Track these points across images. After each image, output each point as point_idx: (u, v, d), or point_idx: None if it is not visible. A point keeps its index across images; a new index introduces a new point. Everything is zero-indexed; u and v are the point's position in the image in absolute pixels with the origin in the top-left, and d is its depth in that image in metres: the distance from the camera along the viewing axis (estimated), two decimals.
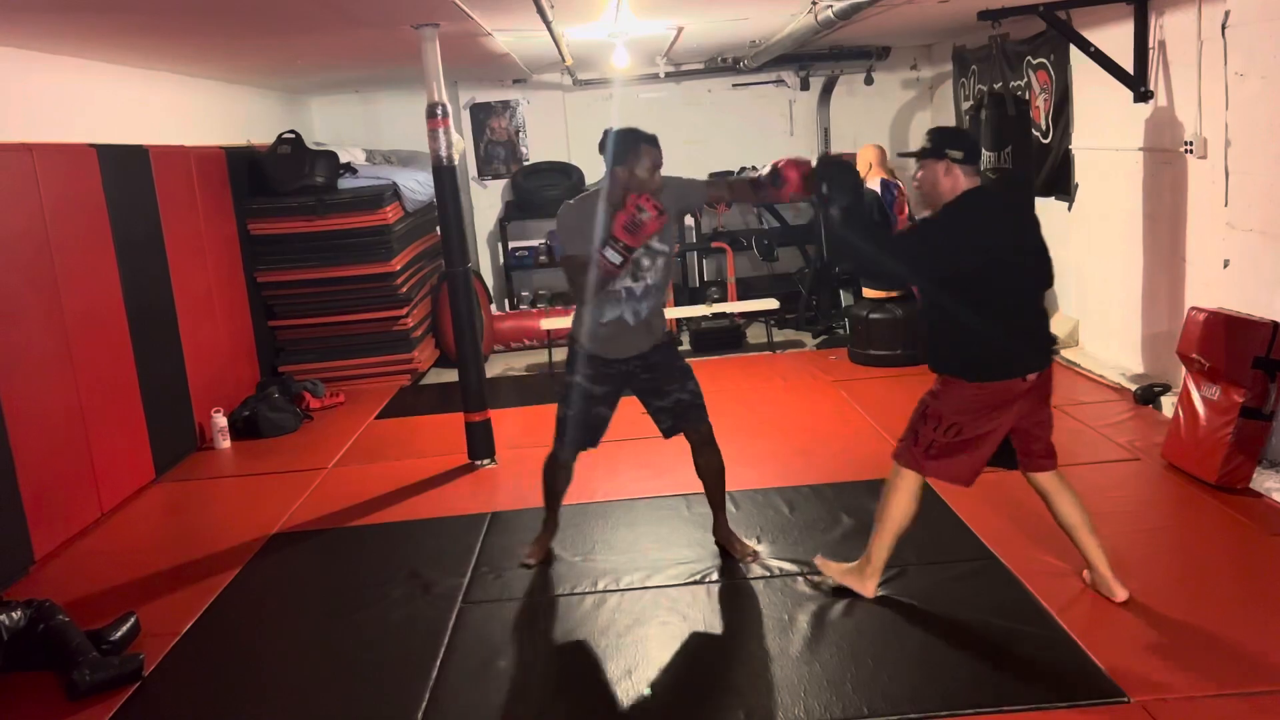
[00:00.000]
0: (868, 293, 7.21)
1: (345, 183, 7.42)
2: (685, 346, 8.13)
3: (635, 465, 5.08)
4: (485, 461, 5.50)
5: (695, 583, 3.91)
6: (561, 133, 9.35)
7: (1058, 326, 6.43)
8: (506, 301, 9.30)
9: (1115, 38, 5.61)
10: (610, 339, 3.83)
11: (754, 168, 9.06)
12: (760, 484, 4.85)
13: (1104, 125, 6.10)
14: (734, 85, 9.34)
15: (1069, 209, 6.55)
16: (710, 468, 4.05)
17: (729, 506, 4.47)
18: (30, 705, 3.39)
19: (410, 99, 8.69)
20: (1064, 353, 6.54)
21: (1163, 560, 3.82)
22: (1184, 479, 4.51)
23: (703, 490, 4.15)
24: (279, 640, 3.80)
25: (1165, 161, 5.47)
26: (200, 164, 6.52)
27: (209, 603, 4.04)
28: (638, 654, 3.41)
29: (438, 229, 6.09)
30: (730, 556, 4.08)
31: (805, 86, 8.83)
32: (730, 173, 9.14)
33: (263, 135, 7.69)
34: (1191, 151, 5.17)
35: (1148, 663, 3.10)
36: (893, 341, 6.97)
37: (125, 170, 5.55)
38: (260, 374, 7.17)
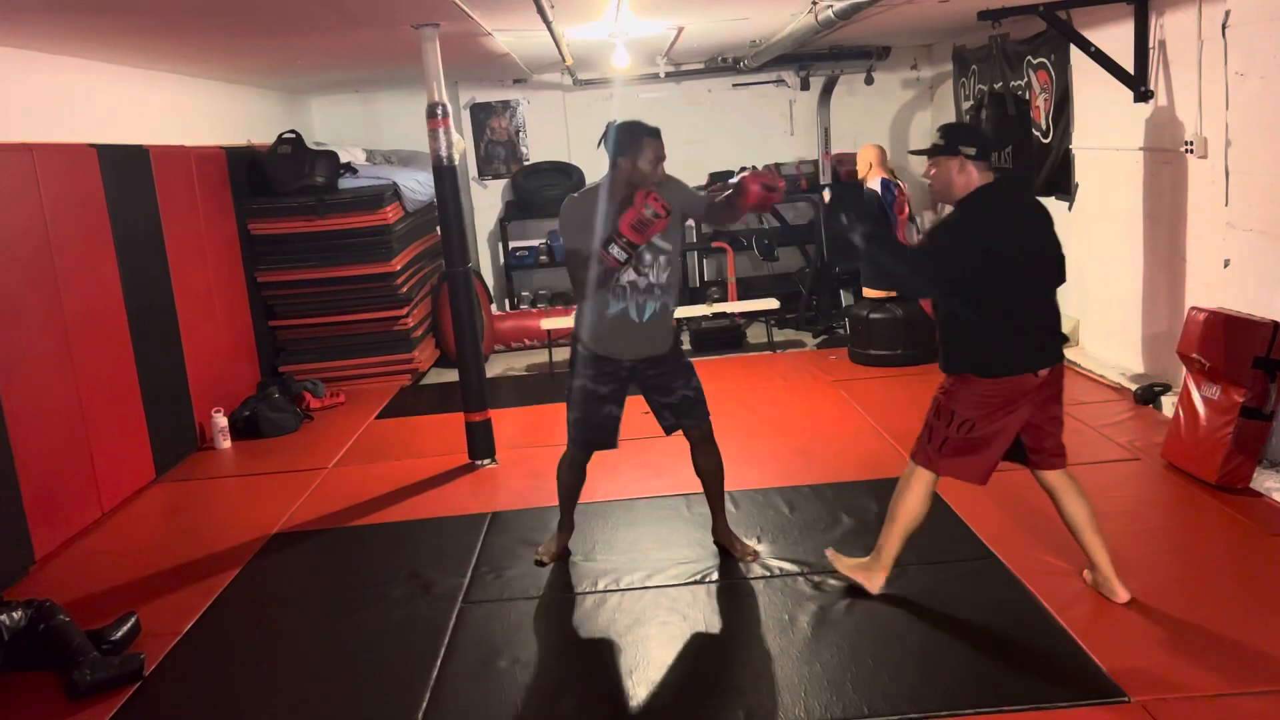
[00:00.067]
0: (868, 293, 7.21)
1: (345, 183, 7.42)
2: (686, 346, 8.12)
3: (635, 465, 5.08)
4: (485, 461, 5.51)
5: (695, 583, 3.91)
6: (562, 133, 9.35)
7: None
8: (507, 301, 9.30)
9: (1115, 37, 5.61)
10: (614, 335, 3.81)
11: (754, 167, 9.06)
12: (760, 484, 4.85)
13: (1104, 125, 6.10)
14: (734, 85, 9.34)
15: (1069, 209, 6.55)
16: (709, 466, 4.04)
17: (729, 506, 4.47)
18: (31, 705, 3.39)
19: (410, 99, 8.70)
20: (1064, 352, 6.54)
21: (1163, 560, 3.82)
22: (1184, 479, 4.51)
23: (702, 490, 4.15)
24: (280, 640, 3.80)
25: (1165, 161, 5.47)
26: (200, 164, 6.52)
27: (209, 602, 4.04)
28: (638, 654, 3.41)
29: (438, 229, 6.10)
30: (730, 556, 4.08)
31: (805, 86, 8.83)
32: (730, 173, 9.14)
33: (263, 135, 7.69)
34: (1192, 151, 5.17)
35: (1148, 662, 3.10)
36: (893, 341, 6.98)
37: (125, 170, 5.56)
38: (260, 374, 7.17)
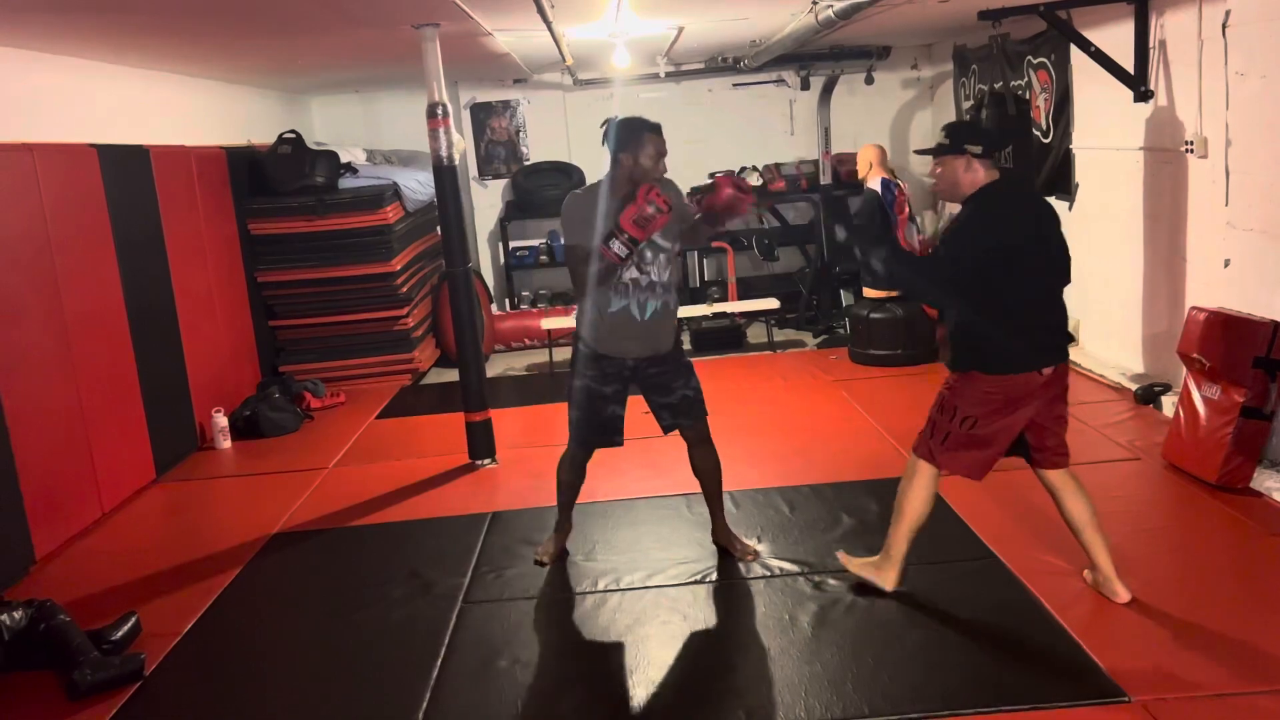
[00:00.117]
0: (868, 292, 7.21)
1: (346, 182, 7.42)
2: (686, 346, 8.12)
3: (636, 465, 5.08)
4: (486, 461, 5.51)
5: (696, 583, 3.91)
6: (562, 132, 9.35)
7: None
8: (507, 301, 9.30)
9: (1116, 37, 5.61)
10: (616, 333, 3.80)
11: (754, 168, 9.07)
12: (760, 484, 4.85)
13: (1104, 125, 6.10)
14: (734, 85, 9.34)
15: (1069, 209, 6.55)
16: (707, 466, 4.04)
17: (729, 506, 4.47)
18: (31, 705, 3.39)
19: (411, 99, 8.70)
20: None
21: (1163, 560, 3.82)
22: (1184, 479, 4.51)
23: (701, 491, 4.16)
24: (280, 640, 3.80)
25: (1166, 161, 5.47)
26: (201, 164, 6.52)
27: (210, 602, 4.04)
28: (638, 654, 3.41)
29: (438, 229, 6.10)
30: (730, 556, 4.08)
31: (806, 86, 8.83)
32: (731, 173, 9.13)
33: (263, 135, 7.69)
34: (1192, 151, 5.17)
35: (1149, 662, 3.10)
36: (893, 341, 6.98)
37: (126, 170, 5.56)
38: (261, 374, 7.17)
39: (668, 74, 8.87)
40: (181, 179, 6.25)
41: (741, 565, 4.01)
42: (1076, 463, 3.59)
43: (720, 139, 9.29)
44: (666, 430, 4.00)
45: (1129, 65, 5.48)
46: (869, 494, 4.61)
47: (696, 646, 3.47)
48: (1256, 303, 4.56)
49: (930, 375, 3.55)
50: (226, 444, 6.21)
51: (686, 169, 8.71)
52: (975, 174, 3.36)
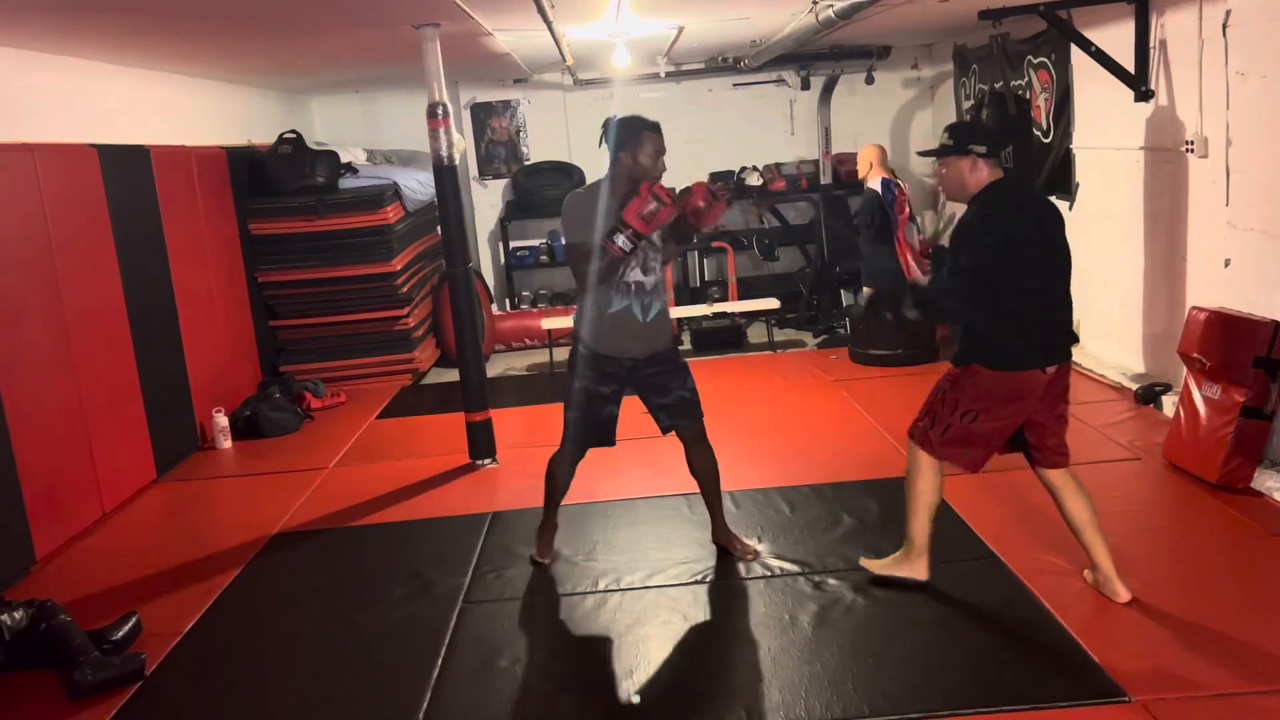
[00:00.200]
0: (868, 292, 7.21)
1: (346, 182, 7.42)
2: (686, 346, 8.13)
3: (636, 465, 5.08)
4: (486, 461, 5.51)
5: (696, 583, 3.91)
6: (562, 132, 9.35)
7: None
8: (507, 301, 9.30)
9: (1116, 37, 5.61)
10: (616, 333, 3.80)
11: (754, 168, 9.07)
12: (761, 484, 4.85)
13: (1105, 124, 6.10)
14: (735, 85, 9.34)
15: (1070, 208, 6.55)
16: (705, 467, 4.05)
17: (730, 506, 4.48)
18: (32, 705, 3.39)
19: (411, 99, 8.70)
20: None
21: (1163, 560, 3.82)
22: (1185, 478, 4.51)
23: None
24: (280, 640, 3.80)
25: (1166, 161, 5.47)
26: (201, 164, 6.52)
27: (210, 602, 4.05)
28: (639, 653, 3.41)
29: (438, 229, 6.10)
30: (730, 556, 4.08)
31: (806, 86, 8.83)
32: (731, 173, 9.14)
33: (263, 135, 7.69)
34: (1192, 151, 5.17)
35: (1149, 662, 3.10)
36: (893, 341, 6.97)
37: (126, 170, 5.56)
38: (261, 374, 7.17)
39: (668, 74, 8.87)
40: (182, 179, 6.26)
41: (742, 565, 4.01)
42: (1077, 463, 3.59)
43: (720, 139, 9.29)
44: (665, 431, 4.01)
45: (1129, 65, 5.48)
46: (869, 494, 4.61)
47: (696, 646, 3.47)
48: (1257, 302, 4.56)
49: (930, 375, 3.55)
50: (227, 444, 6.21)
51: (687, 169, 8.72)
52: (980, 173, 3.38)
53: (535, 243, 9.23)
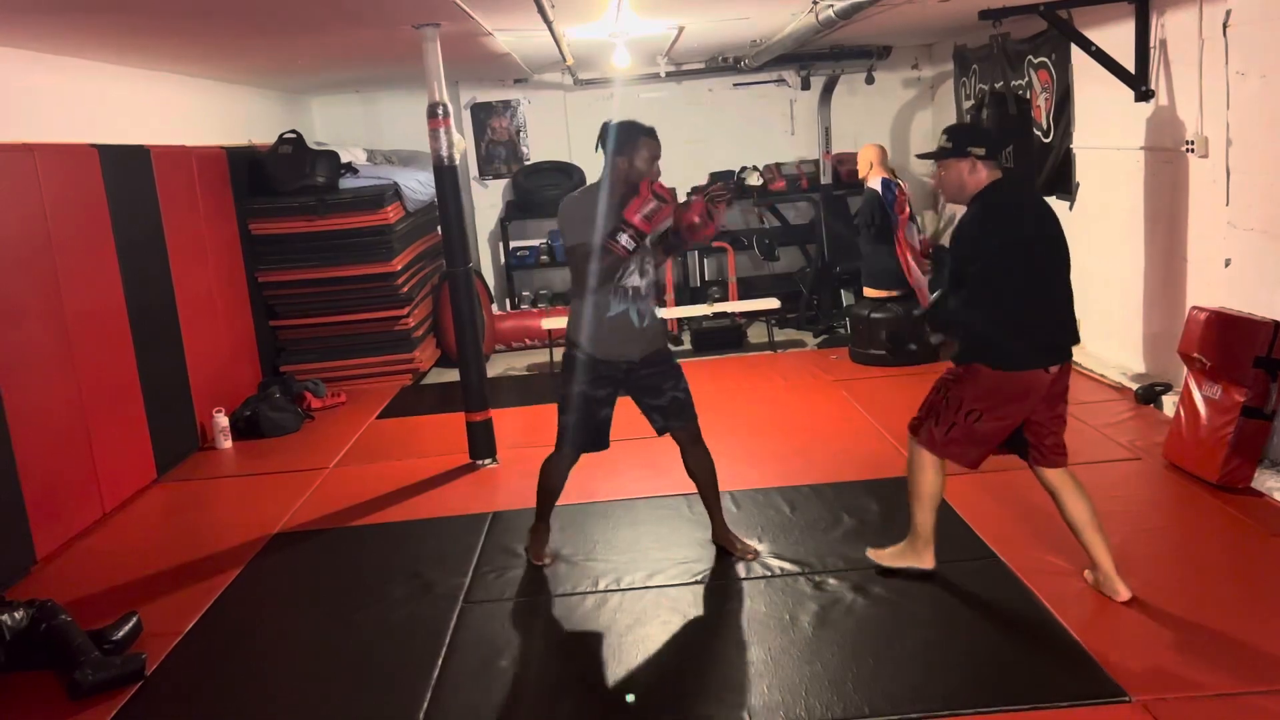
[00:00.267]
0: (869, 292, 7.21)
1: (346, 182, 7.42)
2: (686, 346, 8.14)
3: (636, 465, 5.08)
4: (486, 461, 5.51)
5: (696, 583, 3.91)
6: (562, 132, 9.35)
7: None
8: (508, 301, 9.30)
9: (1116, 37, 5.61)
10: (613, 337, 3.81)
11: (754, 167, 9.07)
12: (761, 484, 4.85)
13: (1105, 124, 6.10)
14: (735, 85, 9.34)
15: (1070, 208, 6.55)
16: (701, 468, 4.06)
17: (730, 506, 4.48)
18: (32, 705, 3.39)
19: (411, 99, 8.70)
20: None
21: (1164, 560, 3.82)
22: (1185, 478, 4.51)
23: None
24: (281, 640, 3.80)
25: (1166, 161, 5.47)
26: (201, 164, 6.52)
27: (211, 602, 4.05)
28: (639, 653, 3.41)
29: (439, 229, 6.10)
30: (731, 556, 4.08)
31: (806, 86, 8.83)
32: (731, 173, 9.14)
33: (264, 135, 7.69)
34: (1193, 151, 5.17)
35: (1149, 662, 3.10)
36: (888, 335, 6.97)
37: (126, 170, 5.56)
38: (261, 374, 7.17)
39: (668, 74, 8.87)
40: (182, 179, 6.26)
41: (742, 565, 4.01)
42: (1077, 462, 3.59)
43: (721, 139, 9.29)
44: (660, 432, 4.02)
45: (1130, 65, 5.48)
46: (869, 494, 4.62)
47: (696, 646, 3.47)
48: (1257, 302, 4.56)
49: (931, 375, 3.56)
50: (227, 444, 6.21)
51: (687, 169, 8.74)
52: (979, 175, 3.40)
53: (535, 243, 9.23)
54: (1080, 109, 6.43)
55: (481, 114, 9.41)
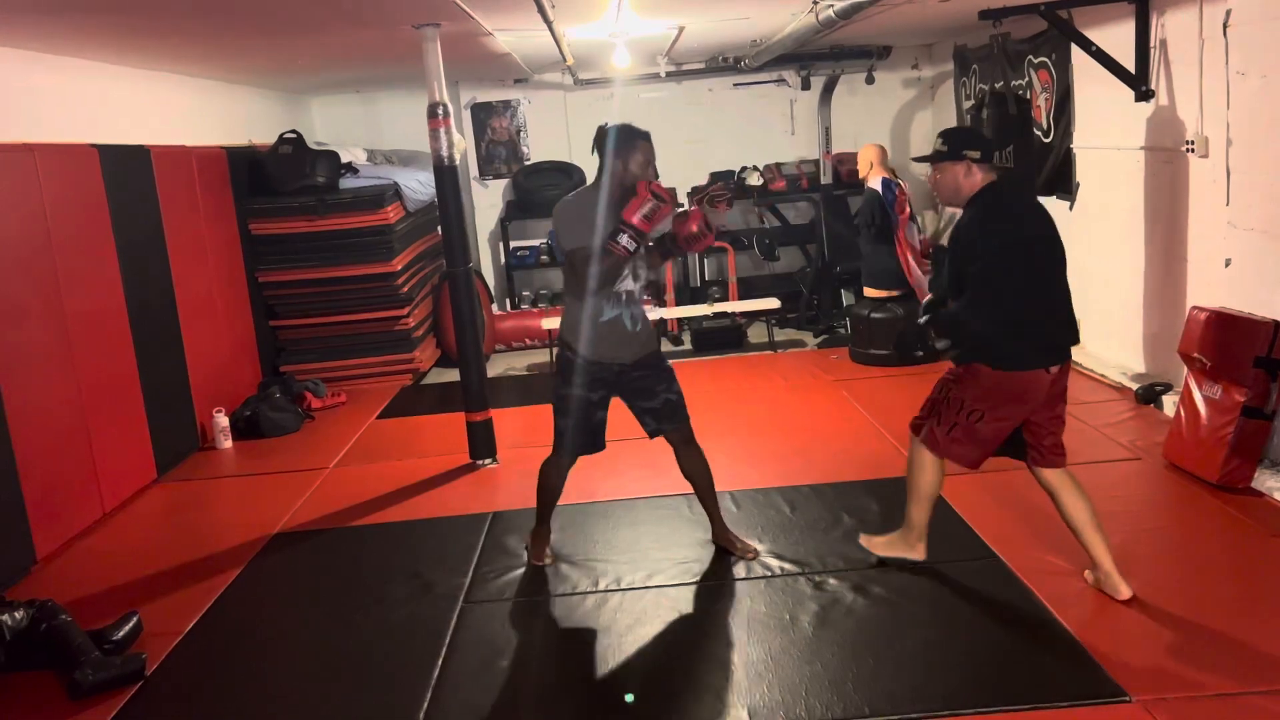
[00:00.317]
0: (869, 292, 7.22)
1: (346, 182, 7.42)
2: (686, 346, 8.14)
3: (636, 465, 5.08)
4: (487, 461, 5.51)
5: (696, 583, 3.91)
6: (563, 132, 9.35)
7: None
8: (508, 301, 9.30)
9: (1116, 37, 5.61)
10: (606, 340, 3.83)
11: (754, 167, 9.07)
12: (761, 484, 4.85)
13: (1105, 124, 6.10)
14: (735, 85, 9.34)
15: (1070, 208, 6.55)
16: (696, 469, 4.07)
17: (730, 506, 4.49)
18: (32, 705, 3.39)
19: (411, 99, 8.70)
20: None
21: (1164, 560, 3.82)
22: (1185, 478, 4.51)
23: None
24: (281, 640, 3.81)
25: (1166, 160, 5.47)
26: (201, 164, 6.52)
27: (211, 602, 4.05)
28: (639, 653, 3.42)
29: (439, 229, 6.10)
30: (731, 556, 4.08)
31: (806, 86, 8.83)
32: (731, 173, 9.14)
33: (264, 135, 7.69)
34: (1193, 150, 5.17)
35: (1149, 662, 3.10)
36: (894, 341, 6.97)
37: (127, 170, 5.56)
38: (262, 374, 7.18)
39: (668, 74, 8.87)
40: (182, 179, 6.26)
41: (742, 565, 4.01)
42: (1078, 462, 3.60)
43: (721, 139, 9.29)
44: (652, 435, 4.03)
45: (1130, 65, 5.48)
46: (869, 494, 4.62)
47: (697, 646, 3.47)
48: (1257, 302, 4.56)
49: (931, 375, 3.56)
50: (227, 444, 6.21)
51: (687, 169, 8.74)
52: (974, 178, 3.42)
53: (535, 243, 9.23)
54: (1080, 109, 6.43)
55: (481, 114, 9.41)
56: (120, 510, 5.21)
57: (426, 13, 4.86)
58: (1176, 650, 3.16)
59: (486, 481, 5.30)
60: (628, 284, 3.82)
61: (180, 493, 5.54)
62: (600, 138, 3.79)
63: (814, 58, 8.38)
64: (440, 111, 5.16)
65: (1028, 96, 6.92)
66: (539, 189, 9.02)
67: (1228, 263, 4.88)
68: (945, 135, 3.49)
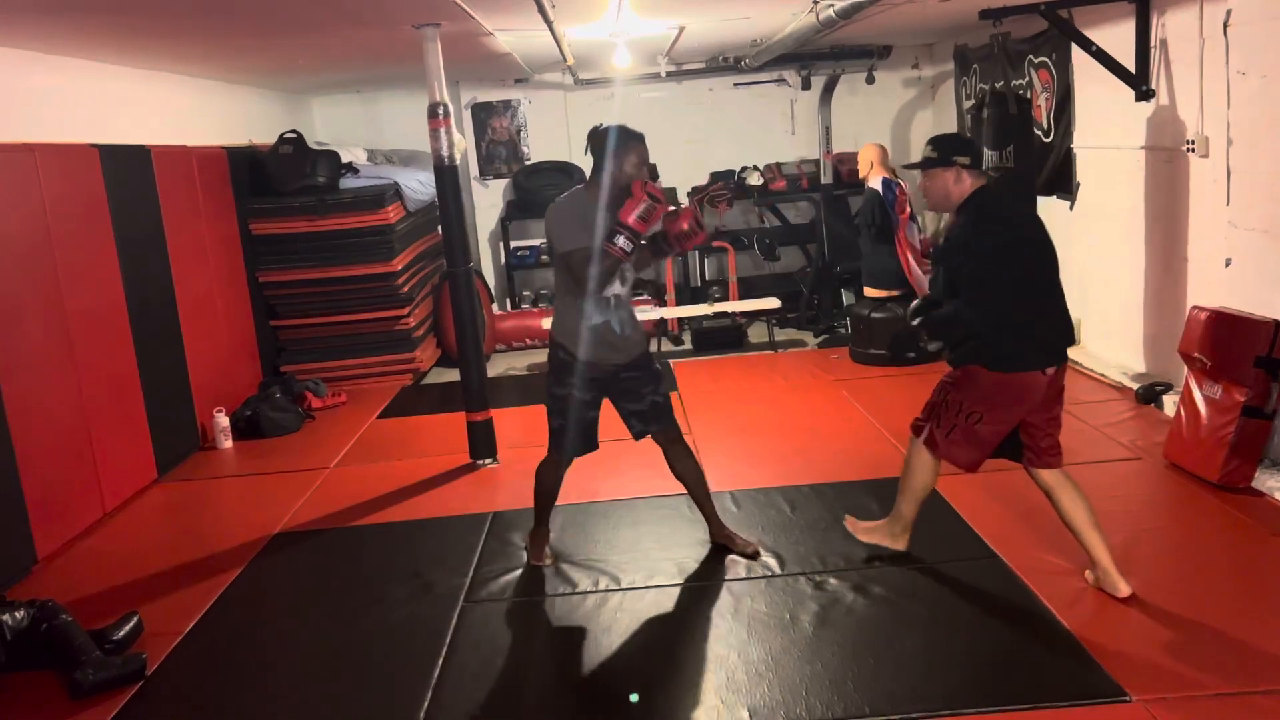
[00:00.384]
0: (869, 292, 7.22)
1: (347, 182, 7.43)
2: (687, 346, 8.14)
3: (636, 465, 5.08)
4: (487, 461, 5.51)
5: (696, 582, 3.91)
6: (563, 132, 9.34)
7: None
8: (508, 301, 9.30)
9: (1117, 36, 5.61)
10: (597, 344, 3.83)
11: (755, 167, 9.07)
12: (761, 483, 4.85)
13: (1106, 124, 6.10)
14: (735, 84, 9.33)
15: (1070, 208, 6.55)
16: (687, 468, 4.08)
17: (730, 506, 4.49)
18: (32, 705, 3.40)
19: (411, 99, 8.70)
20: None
21: (1164, 560, 3.82)
22: (1185, 478, 4.51)
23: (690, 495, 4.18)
24: (281, 639, 3.81)
25: (1167, 160, 5.47)
26: (202, 164, 6.53)
27: (211, 602, 4.05)
28: (639, 653, 3.42)
29: (439, 228, 6.10)
30: (731, 555, 4.08)
31: (807, 85, 8.83)
32: (731, 172, 9.14)
33: (264, 135, 7.70)
34: (1193, 150, 5.16)
35: (1149, 662, 3.10)
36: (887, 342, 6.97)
37: (127, 170, 5.56)
38: (262, 373, 7.18)
39: (669, 74, 8.87)
40: (182, 179, 6.26)
41: (742, 565, 4.01)
42: (1078, 462, 3.60)
43: (721, 138, 9.29)
44: (638, 437, 4.04)
45: (1130, 64, 5.47)
46: (869, 494, 4.61)
47: (697, 646, 3.47)
48: (1258, 302, 4.56)
49: (930, 376, 3.57)
50: (228, 444, 6.21)
51: (687, 169, 8.74)
52: (964, 184, 3.45)
53: (536, 243, 9.22)
54: (1081, 109, 6.43)
55: (482, 114, 9.41)
56: (121, 510, 5.21)
57: (426, 13, 4.86)
58: (1177, 650, 3.16)
59: (487, 481, 5.30)
60: (615, 288, 3.82)
61: (181, 493, 5.54)
62: (594, 139, 3.80)
63: (814, 57, 8.38)
64: (440, 111, 5.16)
65: (1028, 96, 6.92)
66: (539, 189, 9.01)
67: (1228, 262, 4.88)
68: (934, 142, 3.51)
